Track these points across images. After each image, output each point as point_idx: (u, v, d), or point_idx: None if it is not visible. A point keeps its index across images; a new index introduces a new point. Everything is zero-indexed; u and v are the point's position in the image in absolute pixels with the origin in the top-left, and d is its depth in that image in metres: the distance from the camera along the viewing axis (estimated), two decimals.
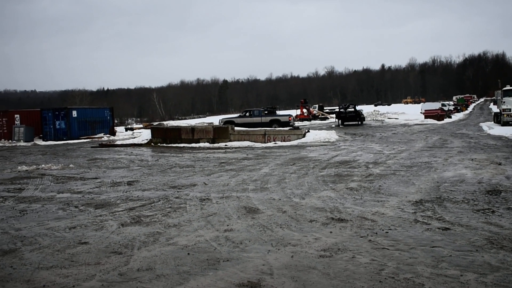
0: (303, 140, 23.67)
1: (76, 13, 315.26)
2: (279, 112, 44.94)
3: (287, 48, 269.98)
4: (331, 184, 10.90)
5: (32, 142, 35.95)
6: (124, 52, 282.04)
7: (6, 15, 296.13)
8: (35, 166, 17.25)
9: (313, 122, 52.45)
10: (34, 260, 6.23)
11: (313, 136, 24.26)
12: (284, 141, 23.88)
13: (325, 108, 71.45)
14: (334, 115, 50.17)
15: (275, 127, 35.15)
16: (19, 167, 17.20)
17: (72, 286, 5.25)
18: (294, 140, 23.83)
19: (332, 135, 24.89)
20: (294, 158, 16.45)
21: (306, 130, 25.40)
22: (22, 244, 7.03)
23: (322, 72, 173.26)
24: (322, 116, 58.58)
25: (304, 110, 57.17)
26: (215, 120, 53.47)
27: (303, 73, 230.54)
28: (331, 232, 6.93)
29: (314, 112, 59.59)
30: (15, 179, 14.40)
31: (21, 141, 36.45)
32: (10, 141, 37.19)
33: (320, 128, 34.75)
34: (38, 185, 12.93)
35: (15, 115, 39.54)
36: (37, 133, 38.62)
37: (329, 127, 36.73)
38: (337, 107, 51.59)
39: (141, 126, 60.31)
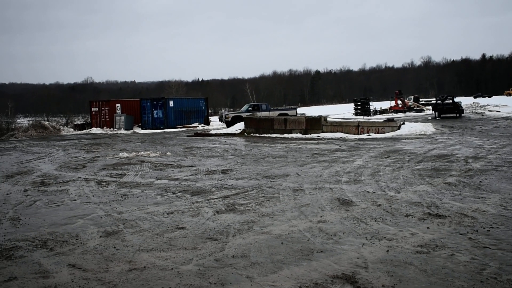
0: (397, 132, 23.06)
1: (177, 8, 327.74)
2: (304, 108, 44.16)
3: (382, 38, 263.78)
4: (428, 179, 10.55)
5: (132, 130, 37.65)
6: (219, 44, 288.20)
7: (112, 11, 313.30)
8: (135, 153, 18.06)
9: (408, 114, 50.86)
10: (135, 242, 6.53)
11: (408, 128, 23.56)
12: (378, 133, 23.39)
13: (420, 99, 69.17)
14: (430, 107, 48.41)
15: None
16: (120, 154, 18.09)
17: (170, 269, 5.45)
18: (388, 132, 23.27)
19: (429, 128, 24.04)
20: (389, 151, 16.08)
21: (401, 122, 24.72)
22: (124, 227, 7.40)
23: (418, 62, 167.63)
24: (418, 108, 56.66)
25: (399, 102, 55.61)
26: (307, 111, 53.30)
27: (397, 64, 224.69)
28: (428, 227, 6.72)
29: (409, 103, 57.72)
30: (116, 165, 15.16)
31: (122, 129, 38.28)
32: (111, 129, 39.20)
33: (415, 120, 33.68)
34: (138, 171, 13.53)
35: (117, 104, 41.58)
36: (136, 121, 40.42)
37: (425, 119, 35.50)
38: (434, 99, 49.78)
39: None
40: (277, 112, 35.71)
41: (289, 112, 36.15)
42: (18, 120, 61.74)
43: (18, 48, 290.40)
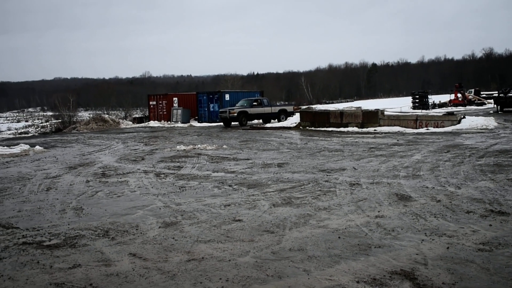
0: (457, 126, 22.42)
1: (235, 3, 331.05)
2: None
3: (441, 29, 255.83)
4: (490, 174, 10.22)
5: (188, 124, 38.16)
6: (276, 37, 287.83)
7: (171, 7, 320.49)
8: (191, 146, 18.33)
9: (468, 107, 49.39)
10: (193, 233, 6.65)
11: (469, 122, 22.87)
12: (437, 127, 22.82)
13: (481, 92, 66.98)
14: (492, 101, 46.81)
15: (282, 118, 33.31)
16: (177, 147, 18.41)
17: (228, 260, 5.52)
18: (448, 126, 22.67)
19: (490, 122, 23.24)
20: (448, 145, 15.67)
21: (461, 116, 24.01)
22: (182, 218, 7.54)
23: (479, 54, 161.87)
24: (478, 102, 54.87)
25: (459, 95, 54.04)
26: (364, 104, 52.57)
27: (457, 56, 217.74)
28: (490, 225, 6.52)
29: (470, 97, 55.94)
30: (174, 157, 15.44)
31: (179, 122, 38.89)
32: (169, 122, 39.90)
33: (476, 114, 32.64)
34: (195, 164, 13.74)
35: (174, 98, 42.26)
36: (193, 115, 40.91)
37: (486, 113, 34.36)
38: (496, 92, 48.08)
39: None
40: (278, 108, 34.76)
41: (287, 108, 35.14)
42: (79, 114, 63.79)
43: (80, 44, 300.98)
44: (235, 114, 31.95)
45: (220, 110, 34.17)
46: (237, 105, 34.34)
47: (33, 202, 9.27)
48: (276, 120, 34.13)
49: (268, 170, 12.09)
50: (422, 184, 9.45)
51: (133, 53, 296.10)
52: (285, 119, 33.13)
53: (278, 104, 37.11)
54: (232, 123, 32.66)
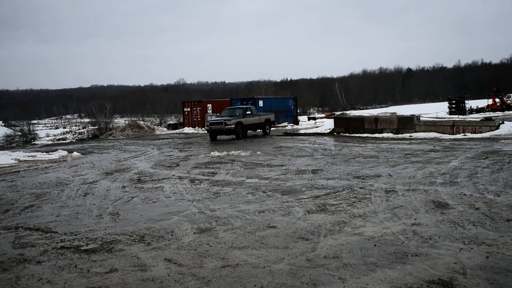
0: (496, 132, 21.94)
1: (271, 10, 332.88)
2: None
3: (478, 34, 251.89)
4: None
5: None
6: (310, 44, 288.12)
7: (205, 16, 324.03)
8: (225, 153, 18.40)
9: (506, 112, 48.38)
10: (228, 240, 6.66)
11: (508, 128, 22.35)
12: (475, 132, 22.38)
13: None
14: None
15: (267, 127, 30.75)
16: (211, 153, 18.50)
17: (262, 267, 5.51)
18: (486, 132, 22.21)
19: None
20: (487, 152, 15.32)
21: (500, 121, 23.49)
22: (217, 224, 7.56)
23: None
24: None
25: (497, 100, 52.98)
26: (399, 110, 52.01)
27: (495, 60, 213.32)
28: None
29: (508, 101, 54.81)
30: (208, 163, 15.52)
31: None
32: (203, 128, 40.14)
33: None
34: (229, 170, 13.78)
35: (208, 105, 42.54)
36: None
37: None
38: None
39: (323, 115, 61.11)
40: (264, 118, 30.93)
41: (270, 117, 31.69)
42: (115, 120, 64.90)
43: (117, 53, 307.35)
44: (233, 126, 27.29)
45: (210, 121, 29.14)
46: (222, 115, 29.77)
47: (71, 207, 9.44)
48: (261, 131, 31.00)
49: (302, 176, 12.03)
50: (459, 191, 9.27)
51: (168, 60, 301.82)
52: (269, 130, 31.00)
53: (261, 113, 32.80)
54: (219, 136, 28.33)
